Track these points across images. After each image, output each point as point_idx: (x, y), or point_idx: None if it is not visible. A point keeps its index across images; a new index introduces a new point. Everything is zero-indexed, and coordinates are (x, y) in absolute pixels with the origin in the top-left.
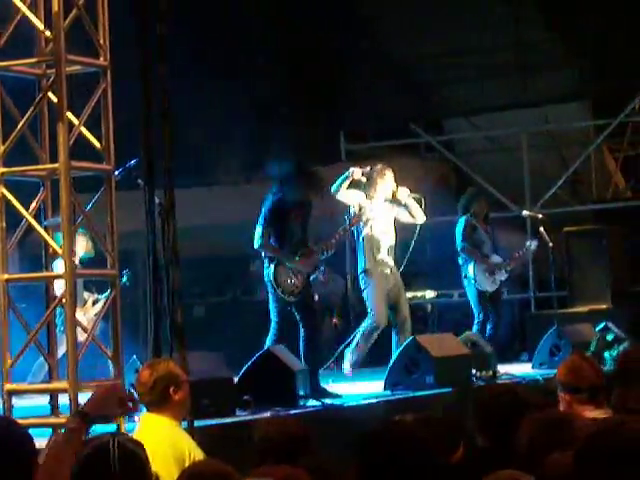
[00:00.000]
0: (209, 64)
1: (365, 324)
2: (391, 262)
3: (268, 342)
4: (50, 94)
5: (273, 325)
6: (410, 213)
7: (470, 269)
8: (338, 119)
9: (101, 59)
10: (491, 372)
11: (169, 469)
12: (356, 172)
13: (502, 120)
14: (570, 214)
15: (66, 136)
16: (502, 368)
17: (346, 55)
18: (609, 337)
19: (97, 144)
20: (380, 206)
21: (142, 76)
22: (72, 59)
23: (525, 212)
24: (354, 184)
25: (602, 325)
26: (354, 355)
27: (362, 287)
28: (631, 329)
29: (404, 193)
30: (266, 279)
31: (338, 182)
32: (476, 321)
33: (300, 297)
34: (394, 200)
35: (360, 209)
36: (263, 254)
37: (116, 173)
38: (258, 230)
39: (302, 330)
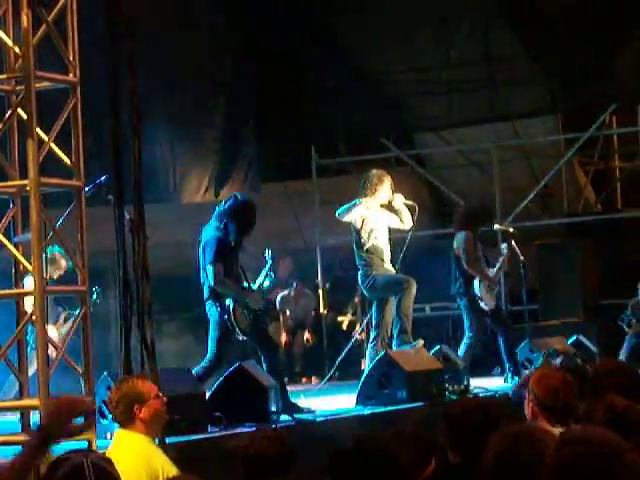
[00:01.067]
0: (175, 79)
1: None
2: (393, 271)
3: (202, 368)
4: (20, 110)
5: (211, 355)
6: (400, 219)
7: (475, 287)
8: (308, 134)
9: (70, 75)
10: (463, 386)
11: None
12: (370, 202)
13: (473, 134)
14: (541, 228)
15: (36, 152)
16: (474, 382)
17: (317, 70)
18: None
19: (67, 160)
20: (378, 214)
21: (111, 91)
22: (41, 75)
23: (496, 226)
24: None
25: (574, 338)
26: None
27: (366, 289)
28: (603, 342)
29: (399, 200)
30: (219, 316)
31: (346, 207)
32: (466, 337)
33: (251, 331)
34: (389, 207)
35: (363, 222)
36: (211, 292)
37: (86, 189)
38: (210, 268)
39: (263, 356)
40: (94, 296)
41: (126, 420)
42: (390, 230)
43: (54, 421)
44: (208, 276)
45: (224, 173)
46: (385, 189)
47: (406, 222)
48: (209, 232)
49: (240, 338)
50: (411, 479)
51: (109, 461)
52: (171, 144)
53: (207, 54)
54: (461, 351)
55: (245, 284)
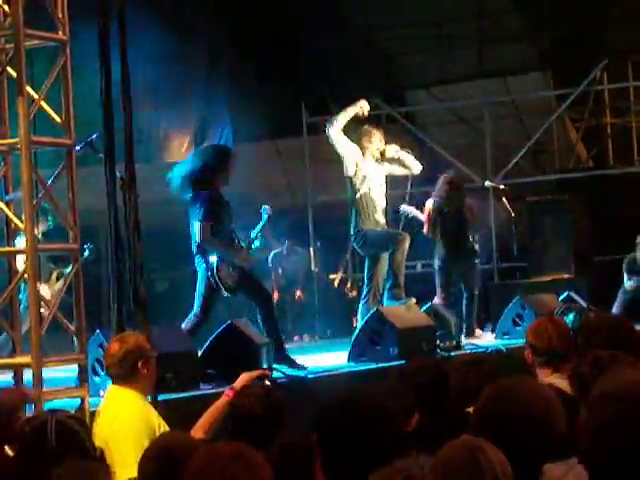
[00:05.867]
0: (163, 34)
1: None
2: (384, 223)
3: (188, 324)
4: (9, 68)
5: (198, 311)
6: (404, 165)
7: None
8: (299, 91)
9: (60, 33)
10: (455, 342)
11: (142, 444)
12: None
13: (463, 91)
14: (532, 184)
15: (26, 110)
16: (466, 338)
17: (307, 27)
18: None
19: (57, 118)
20: (371, 166)
21: (101, 48)
22: (31, 33)
23: (488, 183)
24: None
25: (565, 295)
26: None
27: (358, 246)
28: (593, 298)
29: (393, 150)
30: (205, 273)
31: (338, 115)
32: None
33: (240, 288)
34: (384, 159)
35: (357, 167)
36: (198, 249)
37: (77, 148)
38: (197, 225)
39: (258, 308)
40: (87, 252)
41: (129, 375)
42: (387, 183)
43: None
44: (196, 233)
45: (202, 134)
46: (374, 144)
47: (413, 167)
48: (198, 192)
49: (225, 295)
50: (399, 431)
51: (79, 419)
52: (155, 107)
53: (193, 15)
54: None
55: (235, 242)
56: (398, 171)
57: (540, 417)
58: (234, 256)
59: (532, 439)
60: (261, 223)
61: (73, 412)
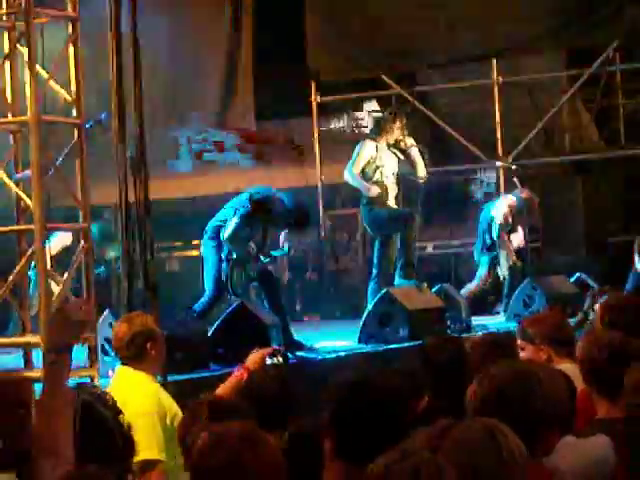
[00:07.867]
0: (175, 13)
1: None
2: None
3: (201, 304)
4: (19, 46)
5: (210, 292)
6: (412, 165)
7: None
8: (309, 70)
9: (70, 10)
10: (465, 324)
11: (154, 427)
12: (381, 141)
13: (474, 71)
14: (543, 165)
15: (36, 88)
16: (476, 320)
17: (317, 6)
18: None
19: (67, 96)
20: (385, 155)
21: (111, 24)
22: (41, 11)
23: (498, 163)
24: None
25: (576, 276)
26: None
27: (369, 226)
28: (605, 280)
29: (409, 142)
30: (217, 256)
31: (353, 160)
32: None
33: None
34: (399, 148)
35: (370, 158)
36: (217, 235)
37: (87, 126)
38: (234, 222)
39: (265, 294)
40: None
41: (137, 357)
42: (399, 173)
43: (61, 336)
44: (228, 227)
45: (222, 111)
46: (394, 131)
47: (419, 170)
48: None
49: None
50: (408, 413)
51: (100, 396)
52: (173, 85)
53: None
54: None
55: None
56: (403, 169)
57: (512, 396)
58: (247, 263)
59: (507, 417)
60: (281, 252)
61: (94, 387)
